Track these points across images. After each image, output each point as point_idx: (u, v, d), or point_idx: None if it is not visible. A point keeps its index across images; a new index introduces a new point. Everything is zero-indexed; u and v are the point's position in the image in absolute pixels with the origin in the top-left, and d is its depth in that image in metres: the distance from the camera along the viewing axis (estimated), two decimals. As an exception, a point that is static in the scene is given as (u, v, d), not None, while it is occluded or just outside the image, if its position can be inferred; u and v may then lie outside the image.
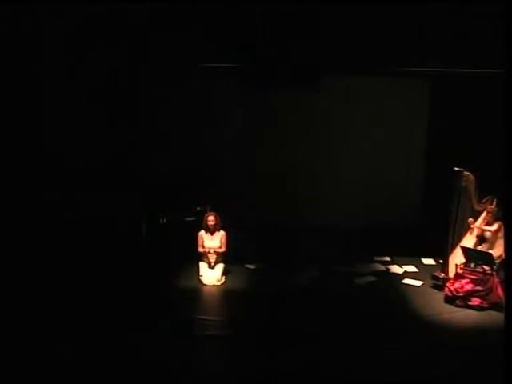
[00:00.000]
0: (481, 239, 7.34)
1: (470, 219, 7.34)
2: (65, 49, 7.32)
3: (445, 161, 7.92)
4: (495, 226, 7.11)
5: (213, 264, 7.57)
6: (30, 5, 6.74)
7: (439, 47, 7.23)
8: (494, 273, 6.79)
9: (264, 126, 9.43)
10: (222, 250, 7.59)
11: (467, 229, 7.45)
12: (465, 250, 7.08)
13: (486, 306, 6.77)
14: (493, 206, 7.23)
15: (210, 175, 9.20)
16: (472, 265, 6.98)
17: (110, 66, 7.71)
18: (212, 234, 7.59)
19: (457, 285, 6.91)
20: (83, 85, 8.31)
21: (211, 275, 7.53)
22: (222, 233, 7.60)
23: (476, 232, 7.35)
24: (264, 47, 7.41)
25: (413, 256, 8.49)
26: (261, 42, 7.35)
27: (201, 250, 7.60)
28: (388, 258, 8.52)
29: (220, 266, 7.59)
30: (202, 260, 7.63)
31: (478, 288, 6.81)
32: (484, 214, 7.31)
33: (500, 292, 6.69)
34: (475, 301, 6.80)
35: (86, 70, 7.88)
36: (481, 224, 7.31)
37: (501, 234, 7.05)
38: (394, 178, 9.46)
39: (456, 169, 7.26)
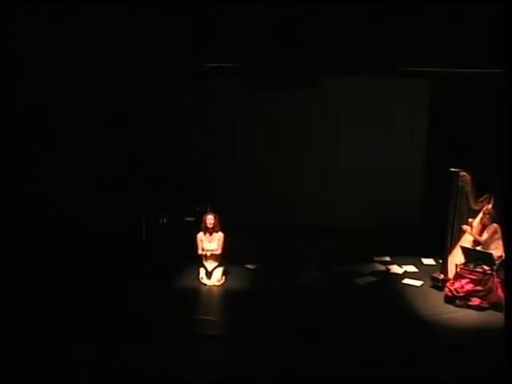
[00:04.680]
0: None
1: (469, 222, 7.34)
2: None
3: (445, 160, 7.92)
4: (485, 237, 7.12)
5: (210, 271, 7.55)
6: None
7: (439, 47, 7.23)
8: (494, 273, 6.79)
9: (264, 126, 9.44)
10: (218, 252, 7.58)
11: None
12: (465, 249, 7.08)
13: (486, 305, 6.77)
14: (489, 207, 7.25)
15: (210, 175, 9.21)
16: (472, 265, 6.98)
17: (111, 65, 7.70)
18: (211, 234, 7.57)
19: (457, 285, 6.91)
20: (82, 87, 8.33)
21: (211, 276, 7.54)
22: (219, 234, 7.59)
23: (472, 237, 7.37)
24: (264, 47, 7.40)
25: (413, 256, 8.50)
26: (261, 42, 7.34)
27: (200, 252, 7.60)
28: (388, 258, 8.52)
29: (219, 269, 7.59)
30: (201, 265, 7.62)
31: (478, 288, 6.81)
32: (481, 214, 7.32)
33: (500, 292, 6.69)
34: (475, 301, 6.80)
35: (85, 75, 7.90)
36: (477, 225, 7.31)
37: (497, 235, 7.05)
38: (394, 178, 9.47)
39: (452, 169, 7.29)
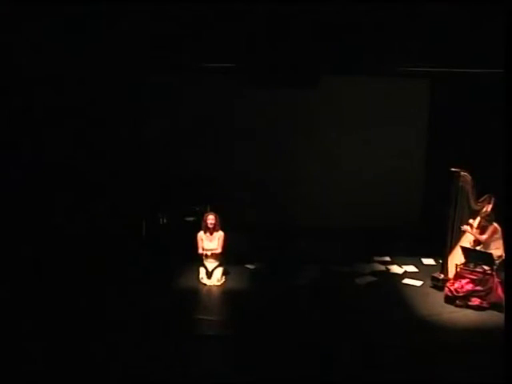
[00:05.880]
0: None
1: (469, 223, 7.33)
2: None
3: (445, 161, 7.92)
4: (485, 236, 7.12)
5: (211, 271, 7.54)
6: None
7: (439, 47, 7.23)
8: (494, 273, 6.79)
9: (263, 126, 9.43)
10: (218, 251, 7.58)
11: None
12: (465, 250, 7.08)
13: (486, 305, 6.77)
14: (488, 210, 7.25)
15: (210, 175, 9.21)
16: (472, 265, 6.98)
17: (113, 65, 7.71)
18: (211, 234, 7.57)
19: (457, 285, 6.92)
20: (82, 82, 8.32)
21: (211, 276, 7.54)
22: (220, 233, 7.60)
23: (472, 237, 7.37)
24: (264, 47, 7.40)
25: (413, 256, 8.50)
26: (261, 42, 7.34)
27: (200, 251, 7.60)
28: (388, 258, 8.52)
29: (219, 269, 7.59)
30: (202, 264, 7.62)
31: (478, 288, 6.81)
32: (479, 218, 7.32)
33: (500, 292, 6.69)
34: (475, 301, 6.80)
35: (84, 67, 7.88)
36: (477, 227, 7.31)
37: (497, 235, 7.05)
38: (393, 178, 9.46)
39: (452, 169, 7.29)
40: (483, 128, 8.55)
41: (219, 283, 7.52)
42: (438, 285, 7.37)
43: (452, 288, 6.93)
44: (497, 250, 7.00)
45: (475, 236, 7.23)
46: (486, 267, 6.84)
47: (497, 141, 6.96)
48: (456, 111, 8.86)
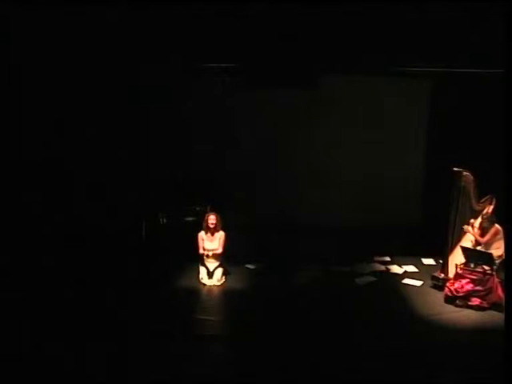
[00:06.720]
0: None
1: (470, 222, 7.33)
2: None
3: (445, 160, 7.93)
4: (485, 238, 7.12)
5: (212, 271, 7.54)
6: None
7: (439, 47, 7.24)
8: (494, 273, 6.79)
9: (263, 126, 9.43)
10: (219, 251, 7.59)
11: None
12: (465, 250, 7.08)
13: (486, 306, 6.77)
14: (489, 211, 7.25)
15: (210, 175, 9.21)
16: (472, 265, 6.97)
17: (114, 65, 7.71)
18: (212, 234, 7.58)
19: (457, 285, 6.91)
20: (81, 82, 8.32)
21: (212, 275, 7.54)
22: (220, 233, 7.60)
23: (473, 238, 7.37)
24: (264, 47, 7.41)
25: (413, 256, 8.50)
26: (261, 42, 7.35)
27: (201, 251, 7.60)
28: (388, 258, 8.52)
29: (220, 270, 7.59)
30: (202, 264, 7.62)
31: (478, 288, 6.81)
32: (480, 218, 7.31)
33: (500, 292, 6.69)
34: (475, 301, 6.80)
35: (84, 67, 7.88)
36: (478, 228, 7.30)
37: (499, 236, 7.05)
38: (394, 178, 9.46)
39: (455, 169, 7.28)
40: (483, 128, 8.54)
41: (219, 283, 7.52)
42: (439, 284, 7.37)
43: (452, 288, 6.93)
44: (497, 250, 6.99)
45: (476, 237, 7.23)
46: (486, 267, 6.84)
47: (497, 141, 6.96)
48: (456, 111, 8.85)
